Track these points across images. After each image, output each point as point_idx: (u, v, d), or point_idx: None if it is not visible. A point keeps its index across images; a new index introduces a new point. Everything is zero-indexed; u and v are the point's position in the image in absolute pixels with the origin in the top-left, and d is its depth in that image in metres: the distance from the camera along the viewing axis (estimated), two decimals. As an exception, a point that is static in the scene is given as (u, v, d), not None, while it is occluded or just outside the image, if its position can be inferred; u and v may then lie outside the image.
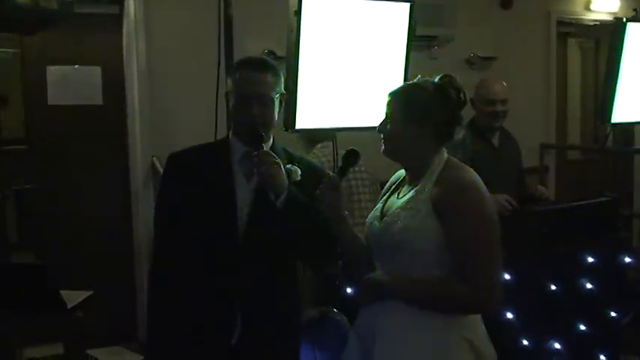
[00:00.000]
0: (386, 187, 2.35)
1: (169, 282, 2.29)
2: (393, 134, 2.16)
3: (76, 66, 4.48)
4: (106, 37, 4.56)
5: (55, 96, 4.42)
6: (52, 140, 4.46)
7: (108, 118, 4.60)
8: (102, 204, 4.56)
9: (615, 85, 3.77)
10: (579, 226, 3.61)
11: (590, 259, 3.58)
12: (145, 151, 4.55)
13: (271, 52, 4.78)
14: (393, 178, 2.34)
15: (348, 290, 3.34)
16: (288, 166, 2.31)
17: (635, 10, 3.88)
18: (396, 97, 2.19)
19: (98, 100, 4.55)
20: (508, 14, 5.89)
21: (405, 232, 2.06)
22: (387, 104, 2.19)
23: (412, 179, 2.19)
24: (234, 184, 2.28)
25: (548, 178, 6.26)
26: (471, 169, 2.13)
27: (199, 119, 4.28)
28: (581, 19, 6.43)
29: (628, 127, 6.02)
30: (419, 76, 2.22)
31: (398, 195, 2.22)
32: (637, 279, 3.93)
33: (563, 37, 6.60)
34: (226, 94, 2.36)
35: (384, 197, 2.29)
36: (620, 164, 6.63)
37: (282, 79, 2.36)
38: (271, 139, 2.37)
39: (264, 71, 2.29)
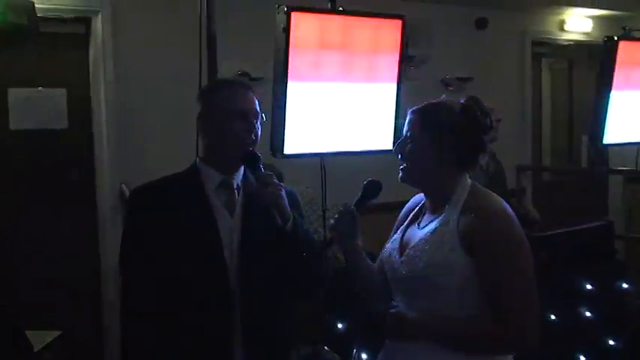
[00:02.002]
0: (402, 214, 2.17)
1: (151, 340, 2.03)
2: (413, 156, 1.99)
3: (40, 88, 4.23)
4: (72, 58, 4.33)
5: (17, 120, 4.17)
6: (14, 166, 4.20)
7: (73, 143, 4.35)
8: (67, 234, 4.30)
9: (607, 106, 3.67)
10: (576, 251, 3.49)
11: (589, 286, 3.45)
12: (112, 178, 4.32)
13: (245, 74, 4.60)
14: (410, 204, 2.17)
15: (339, 326, 3.15)
16: None
17: (624, 28, 3.79)
18: (418, 115, 2.01)
19: (63, 124, 4.30)
20: (483, 34, 5.81)
21: (430, 268, 1.89)
22: (408, 122, 2.03)
23: (434, 208, 2.01)
24: (214, 219, 2.05)
25: (525, 200, 6.17)
26: (498, 197, 1.97)
27: (172, 144, 4.10)
28: (555, 39, 6.40)
29: (602, 147, 5.97)
30: (444, 95, 2.06)
31: (419, 225, 2.04)
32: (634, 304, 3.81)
33: (537, 58, 6.57)
34: (198, 117, 2.14)
35: (403, 226, 2.11)
36: (595, 184, 6.62)
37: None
38: (242, 167, 2.16)
39: (250, 90, 2.16)
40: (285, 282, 2.09)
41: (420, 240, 1.95)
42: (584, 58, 6.74)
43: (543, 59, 6.80)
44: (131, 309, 2.08)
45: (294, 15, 2.76)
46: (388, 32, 3.07)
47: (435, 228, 1.94)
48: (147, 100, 4.35)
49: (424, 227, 2.00)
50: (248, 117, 2.08)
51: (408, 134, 2.01)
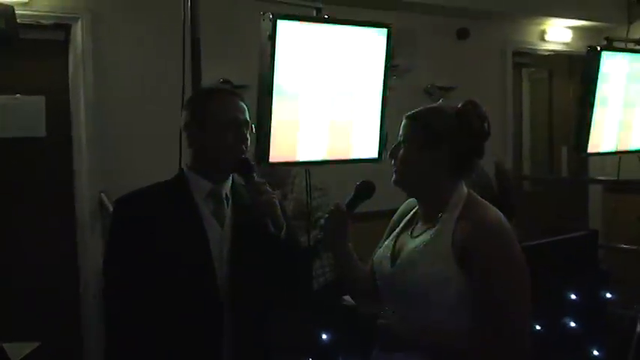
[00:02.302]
0: (396, 218, 2.13)
1: (138, 351, 1.97)
2: (406, 160, 1.95)
3: (17, 95, 4.14)
4: (51, 65, 4.26)
5: (-7, 128, 4.08)
6: (-10, 175, 4.10)
7: (51, 151, 4.27)
8: (44, 245, 4.20)
9: (591, 115, 3.66)
10: (560, 260, 3.48)
11: (573, 296, 3.45)
12: (91, 187, 4.26)
13: (227, 82, 4.55)
14: (403, 209, 2.13)
15: (324, 337, 3.10)
16: None
17: (606, 38, 3.80)
18: (412, 120, 1.98)
19: (41, 132, 4.21)
20: (465, 44, 5.83)
21: (422, 280, 1.85)
22: (403, 127, 1.99)
23: (428, 216, 1.97)
24: (204, 228, 1.99)
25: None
26: (494, 208, 1.92)
27: (153, 152, 4.04)
28: (535, 49, 6.44)
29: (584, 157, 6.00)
30: (441, 100, 2.03)
31: (411, 233, 2.00)
32: (616, 314, 3.82)
33: (518, 68, 6.60)
34: (186, 125, 2.08)
35: (395, 233, 2.07)
36: (575, 193, 6.66)
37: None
38: (230, 176, 2.12)
39: (240, 98, 2.12)
40: (275, 292, 2.06)
41: (413, 250, 1.91)
42: (564, 68, 6.79)
43: (523, 69, 6.84)
44: (117, 322, 2.02)
45: (279, 23, 2.73)
46: (374, 41, 3.04)
47: (429, 239, 1.89)
48: (128, 108, 4.29)
49: (417, 237, 1.95)
50: (239, 127, 2.04)
51: (402, 139, 1.98)
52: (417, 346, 1.86)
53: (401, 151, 1.97)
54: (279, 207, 2.00)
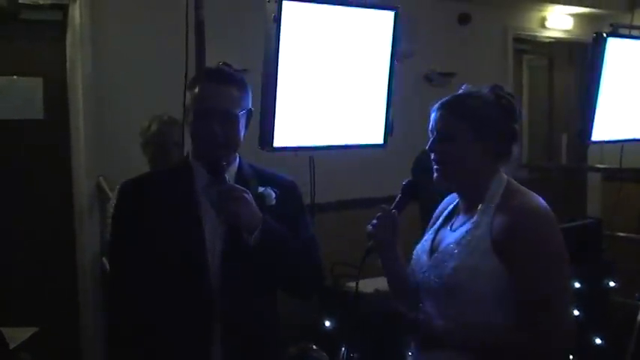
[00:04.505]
0: (435, 216, 2.06)
1: (136, 338, 1.97)
2: (455, 157, 1.85)
3: (15, 77, 4.08)
4: (48, 46, 4.17)
5: (-10, 110, 4.01)
6: (-14, 158, 4.04)
7: (49, 134, 4.20)
8: (42, 229, 4.15)
9: (596, 103, 3.63)
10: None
11: (576, 284, 3.42)
12: (90, 171, 4.18)
13: (227, 65, 4.48)
14: (442, 205, 2.06)
15: (327, 324, 3.07)
16: (261, 189, 2.01)
17: (611, 25, 3.76)
18: (452, 110, 1.87)
19: (39, 115, 4.15)
20: (466, 30, 5.76)
21: (460, 272, 1.77)
22: (440, 119, 1.87)
23: (468, 207, 1.89)
24: (200, 218, 1.96)
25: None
26: (535, 194, 1.85)
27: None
28: (536, 35, 6.38)
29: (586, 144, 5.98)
30: (465, 84, 1.95)
31: (451, 227, 1.93)
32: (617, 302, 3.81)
33: (518, 55, 6.55)
34: (186, 109, 2.02)
35: (435, 227, 2.00)
36: (574, 182, 6.64)
37: (250, 94, 2.05)
38: (237, 160, 2.07)
39: (229, 84, 1.98)
40: (270, 284, 2.03)
41: (450, 243, 1.84)
42: (564, 56, 6.75)
43: (524, 56, 6.80)
44: (118, 304, 2.03)
45: (285, 4, 2.68)
46: (381, 23, 3.00)
47: (467, 230, 1.82)
48: (127, 91, 4.21)
49: (456, 229, 1.88)
50: (215, 119, 1.93)
51: (443, 132, 1.86)
52: (456, 343, 1.78)
53: (446, 148, 1.85)
54: (249, 213, 1.88)
